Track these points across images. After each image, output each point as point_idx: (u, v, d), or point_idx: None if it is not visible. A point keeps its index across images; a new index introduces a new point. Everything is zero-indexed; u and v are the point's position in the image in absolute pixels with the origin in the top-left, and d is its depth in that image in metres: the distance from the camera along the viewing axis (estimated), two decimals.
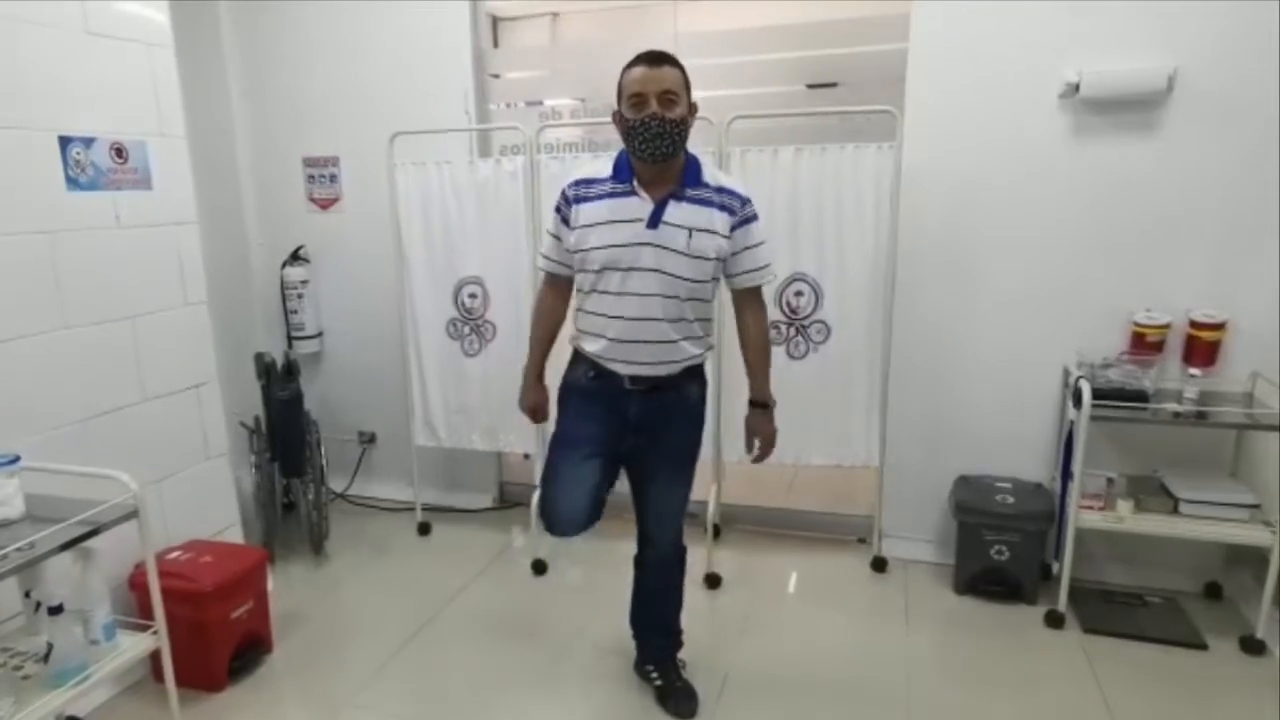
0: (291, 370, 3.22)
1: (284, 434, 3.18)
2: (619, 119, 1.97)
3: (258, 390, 3.23)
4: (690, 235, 1.97)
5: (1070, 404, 2.72)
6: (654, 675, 2.39)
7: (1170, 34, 2.62)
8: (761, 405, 2.21)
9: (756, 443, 2.24)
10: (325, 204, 3.72)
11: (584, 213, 2.02)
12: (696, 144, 3.00)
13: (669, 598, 2.37)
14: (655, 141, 1.91)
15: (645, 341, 2.02)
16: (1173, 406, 2.60)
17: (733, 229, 2.02)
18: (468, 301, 3.34)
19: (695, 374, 2.14)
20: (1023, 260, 2.91)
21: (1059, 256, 2.87)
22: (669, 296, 1.99)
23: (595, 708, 2.36)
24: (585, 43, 4.01)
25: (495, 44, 3.74)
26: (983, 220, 2.92)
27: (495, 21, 3.73)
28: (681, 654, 2.43)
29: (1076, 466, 2.60)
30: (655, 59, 1.92)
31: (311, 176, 3.70)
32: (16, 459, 1.92)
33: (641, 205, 1.98)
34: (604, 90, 3.32)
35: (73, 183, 2.30)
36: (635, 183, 2.00)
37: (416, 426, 3.50)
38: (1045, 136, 2.81)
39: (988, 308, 2.98)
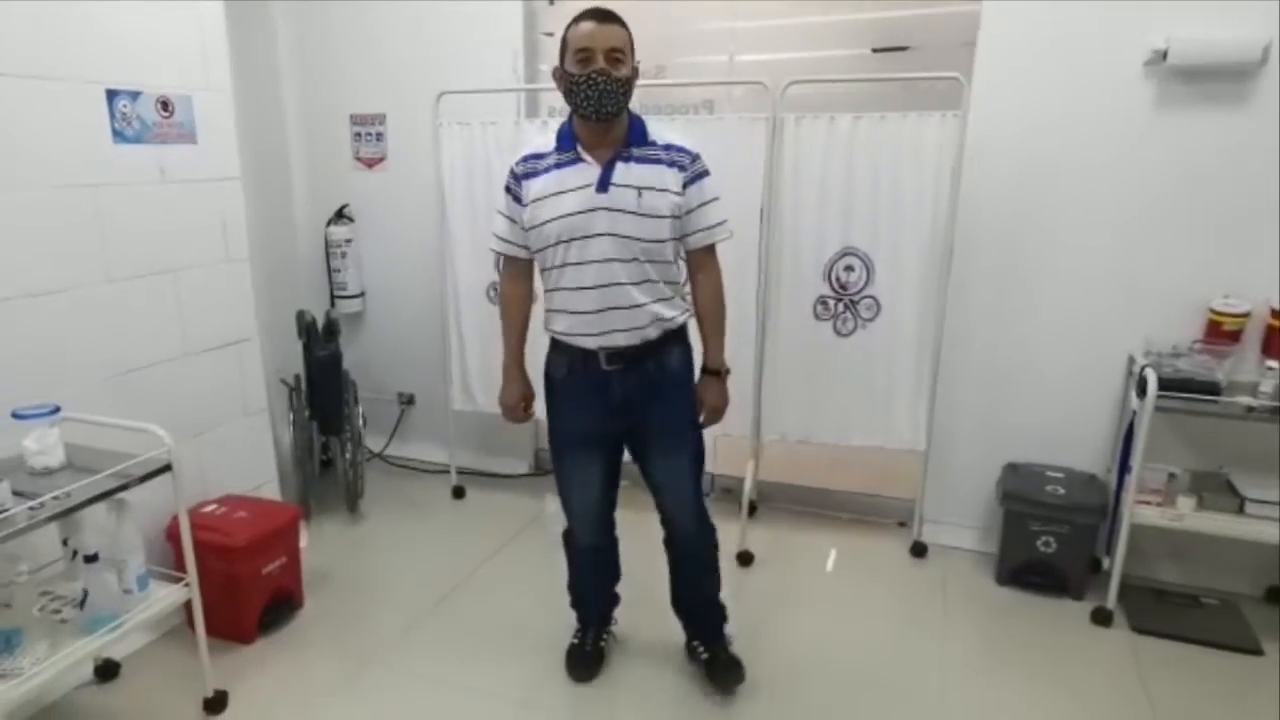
0: (332, 329, 3.23)
1: (322, 392, 3.20)
2: (561, 75, 1.91)
3: (299, 348, 3.25)
4: (640, 194, 1.91)
5: (1134, 393, 2.57)
6: (700, 650, 2.36)
7: (1267, 2, 2.41)
8: (713, 372, 2.13)
9: (703, 410, 2.16)
10: (371, 163, 3.70)
11: (534, 187, 1.97)
12: (750, 108, 2.94)
13: (705, 578, 2.31)
14: (601, 99, 1.86)
15: (613, 309, 1.96)
16: (1246, 400, 2.44)
17: (685, 185, 1.96)
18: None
19: (674, 340, 2.07)
20: (1093, 239, 2.75)
21: (1133, 236, 2.70)
22: (628, 260, 1.93)
23: (629, 678, 2.35)
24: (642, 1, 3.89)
25: (550, 0, 3.64)
26: (1051, 195, 2.76)
27: None
28: (728, 628, 2.38)
29: (1136, 459, 2.47)
30: (603, 16, 1.88)
31: (358, 134, 3.68)
32: (57, 409, 1.95)
33: (588, 170, 1.93)
34: (660, 51, 3.21)
35: (119, 135, 2.31)
36: (579, 148, 1.95)
37: (454, 390, 3.49)
38: (1126, 107, 2.63)
39: (1052, 288, 2.83)
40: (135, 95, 2.34)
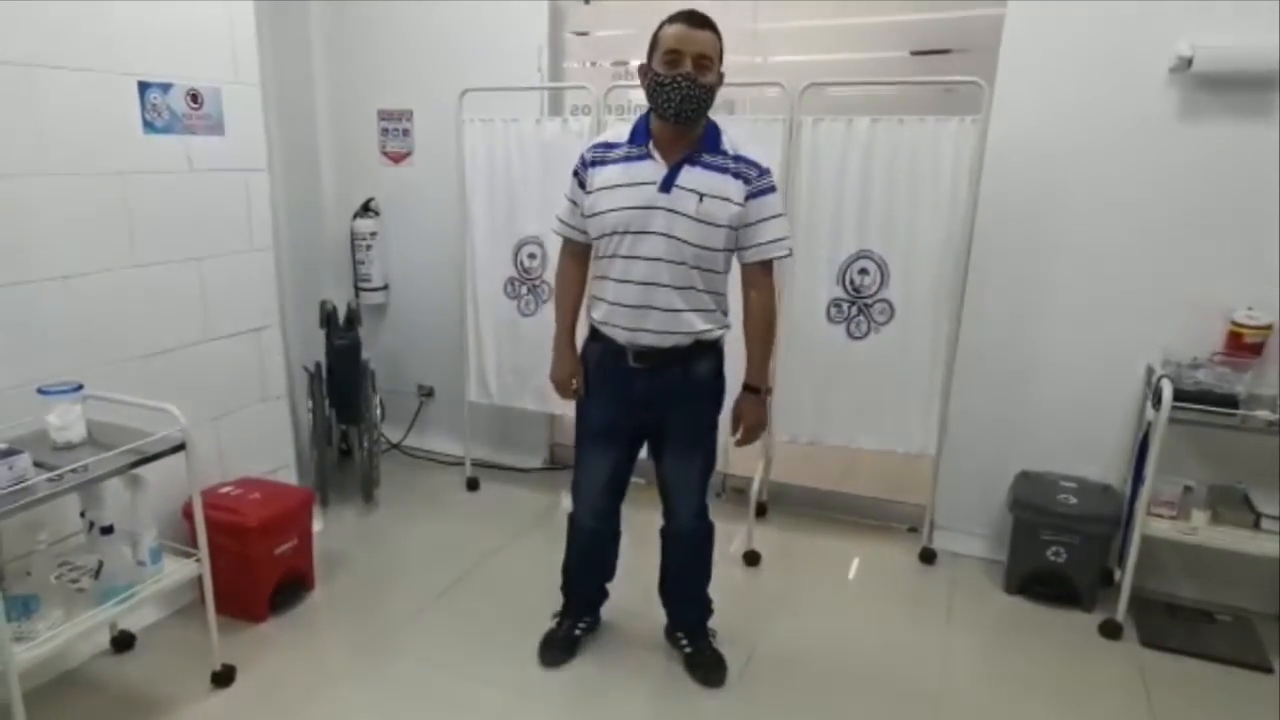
0: (352, 320, 3.30)
1: (341, 381, 3.27)
2: (646, 72, 1.94)
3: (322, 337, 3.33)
4: (701, 199, 1.94)
5: (1150, 404, 2.54)
6: (684, 642, 2.39)
7: None
8: (754, 390, 2.13)
9: (741, 427, 2.17)
10: (397, 158, 3.77)
11: (600, 176, 2.02)
12: (776, 110, 2.94)
13: (695, 571, 2.35)
14: (683, 102, 1.89)
15: (650, 308, 2.00)
16: (1265, 414, 2.39)
17: (747, 198, 1.97)
18: (526, 261, 3.34)
19: (706, 351, 2.10)
20: (1114, 247, 2.71)
21: (1155, 245, 2.66)
22: (676, 263, 1.97)
23: (626, 670, 2.37)
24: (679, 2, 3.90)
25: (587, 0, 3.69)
26: (1072, 201, 2.73)
27: None
28: (712, 623, 2.41)
29: (1149, 470, 2.44)
30: (698, 20, 1.90)
31: (385, 129, 3.75)
32: (80, 387, 2.02)
33: (655, 169, 1.97)
34: None
35: (149, 126, 2.39)
36: (651, 145, 1.98)
37: (470, 383, 3.54)
38: (1149, 114, 2.59)
39: (1070, 296, 2.80)
40: (166, 88, 2.41)
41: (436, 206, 3.64)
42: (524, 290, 3.37)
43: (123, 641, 2.36)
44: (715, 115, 3.17)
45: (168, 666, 2.29)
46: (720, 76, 1.95)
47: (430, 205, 3.68)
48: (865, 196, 2.85)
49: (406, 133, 3.72)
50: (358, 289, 3.82)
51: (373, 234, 3.77)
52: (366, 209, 3.78)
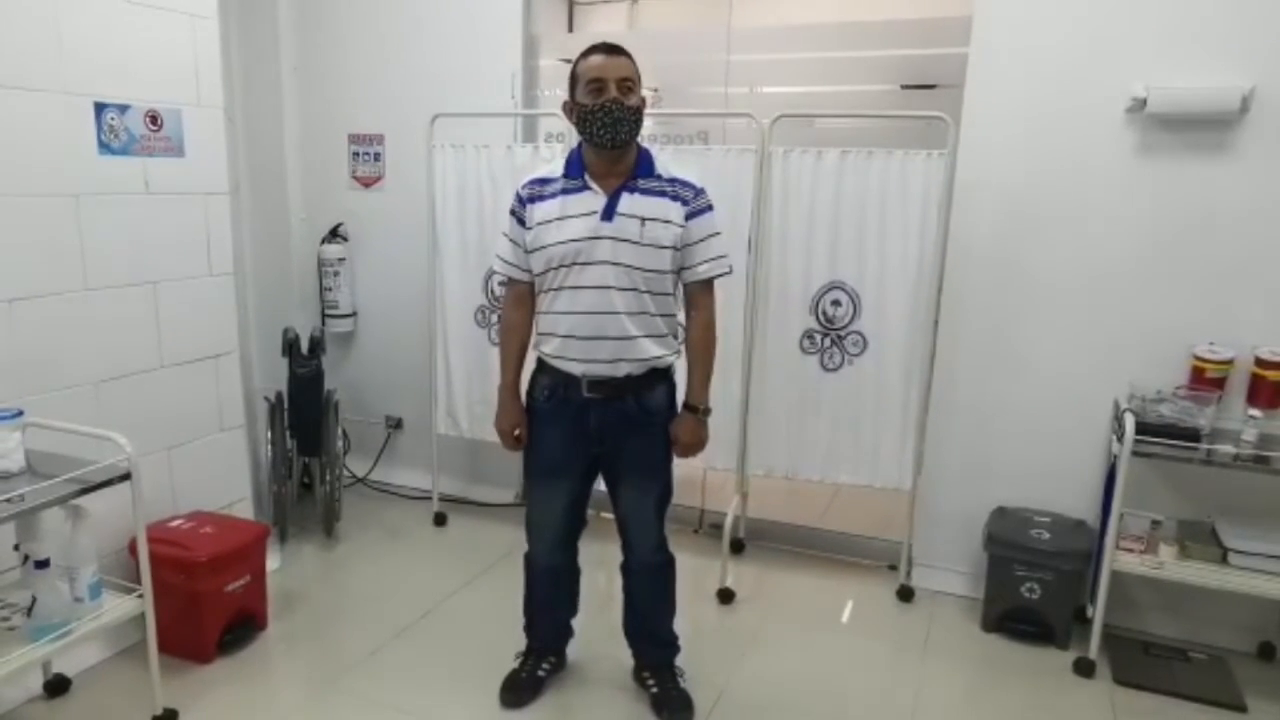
0: (315, 347, 3.22)
1: (302, 411, 3.18)
2: (573, 107, 1.97)
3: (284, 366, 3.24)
4: (644, 224, 1.96)
5: (1114, 437, 2.53)
6: (650, 682, 2.32)
7: (1247, 52, 2.43)
8: (692, 409, 2.11)
9: (678, 445, 2.14)
10: (368, 182, 3.72)
11: (539, 211, 2.01)
12: (748, 140, 2.95)
13: (658, 607, 2.29)
14: (614, 127, 1.91)
15: (604, 338, 1.98)
16: (1229, 449, 2.38)
17: (687, 218, 2.00)
18: (497, 289, 3.29)
19: (659, 379, 2.08)
20: (1079, 281, 2.72)
21: (1118, 280, 2.67)
22: (627, 289, 1.97)
23: (589, 712, 2.29)
24: (661, 30, 3.94)
25: (570, 29, 3.70)
26: (1038, 237, 2.74)
27: (572, 5, 3.71)
28: (680, 661, 2.34)
29: (1115, 504, 2.42)
30: (612, 49, 1.95)
31: (356, 154, 3.71)
32: (20, 413, 1.93)
33: (594, 198, 1.98)
34: (677, 80, 3.25)
35: (104, 147, 2.33)
36: (587, 177, 1.99)
37: (439, 414, 3.47)
38: (1109, 152, 2.62)
39: (1039, 330, 2.80)
40: (124, 108, 2.36)
41: (407, 232, 3.58)
42: (494, 319, 3.31)
43: (57, 685, 2.22)
44: (691, 147, 3.25)
45: (104, 712, 2.17)
46: (644, 100, 1.98)
47: (401, 231, 3.62)
48: (836, 228, 2.85)
49: (378, 157, 3.68)
50: (324, 316, 3.74)
51: (341, 260, 3.70)
52: (335, 234, 3.72)
